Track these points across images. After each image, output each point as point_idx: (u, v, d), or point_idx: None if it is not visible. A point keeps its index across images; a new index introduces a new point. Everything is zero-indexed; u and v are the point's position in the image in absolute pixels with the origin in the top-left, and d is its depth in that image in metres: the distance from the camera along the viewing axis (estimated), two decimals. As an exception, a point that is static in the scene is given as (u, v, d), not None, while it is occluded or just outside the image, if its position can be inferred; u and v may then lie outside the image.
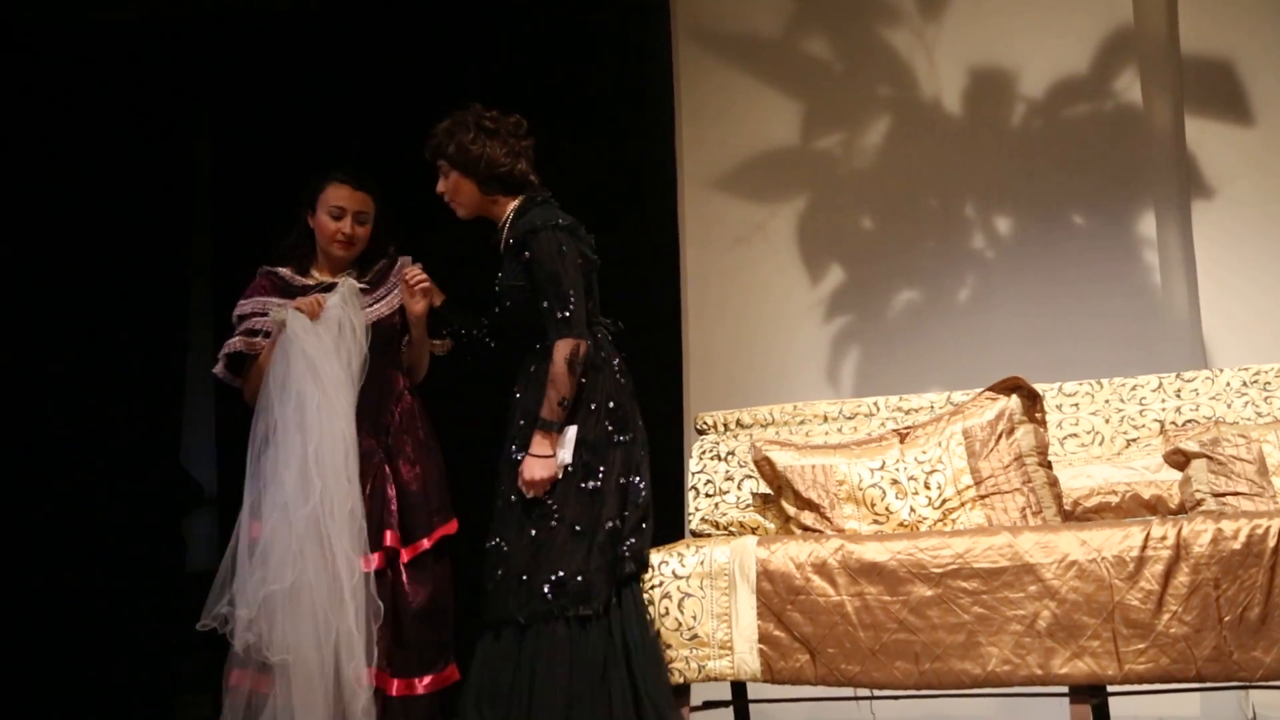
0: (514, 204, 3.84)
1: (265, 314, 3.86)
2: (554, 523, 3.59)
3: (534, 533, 3.60)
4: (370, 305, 3.94)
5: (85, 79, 6.56)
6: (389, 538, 3.76)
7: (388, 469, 3.84)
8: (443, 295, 4.05)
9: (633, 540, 3.62)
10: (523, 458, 3.62)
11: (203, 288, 7.53)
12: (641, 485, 3.70)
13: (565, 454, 3.62)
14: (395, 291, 3.97)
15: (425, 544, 3.83)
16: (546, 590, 3.52)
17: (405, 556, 3.79)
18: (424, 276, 3.95)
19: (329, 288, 3.91)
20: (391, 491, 3.81)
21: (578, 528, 3.58)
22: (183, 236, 7.22)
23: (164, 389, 7.01)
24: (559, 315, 3.65)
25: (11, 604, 6.11)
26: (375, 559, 3.70)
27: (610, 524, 3.60)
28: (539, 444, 3.61)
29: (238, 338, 3.87)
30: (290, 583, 3.52)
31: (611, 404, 3.71)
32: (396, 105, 6.88)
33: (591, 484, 3.63)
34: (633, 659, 3.51)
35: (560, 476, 3.61)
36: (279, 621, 3.51)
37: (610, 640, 3.51)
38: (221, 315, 7.31)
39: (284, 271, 3.97)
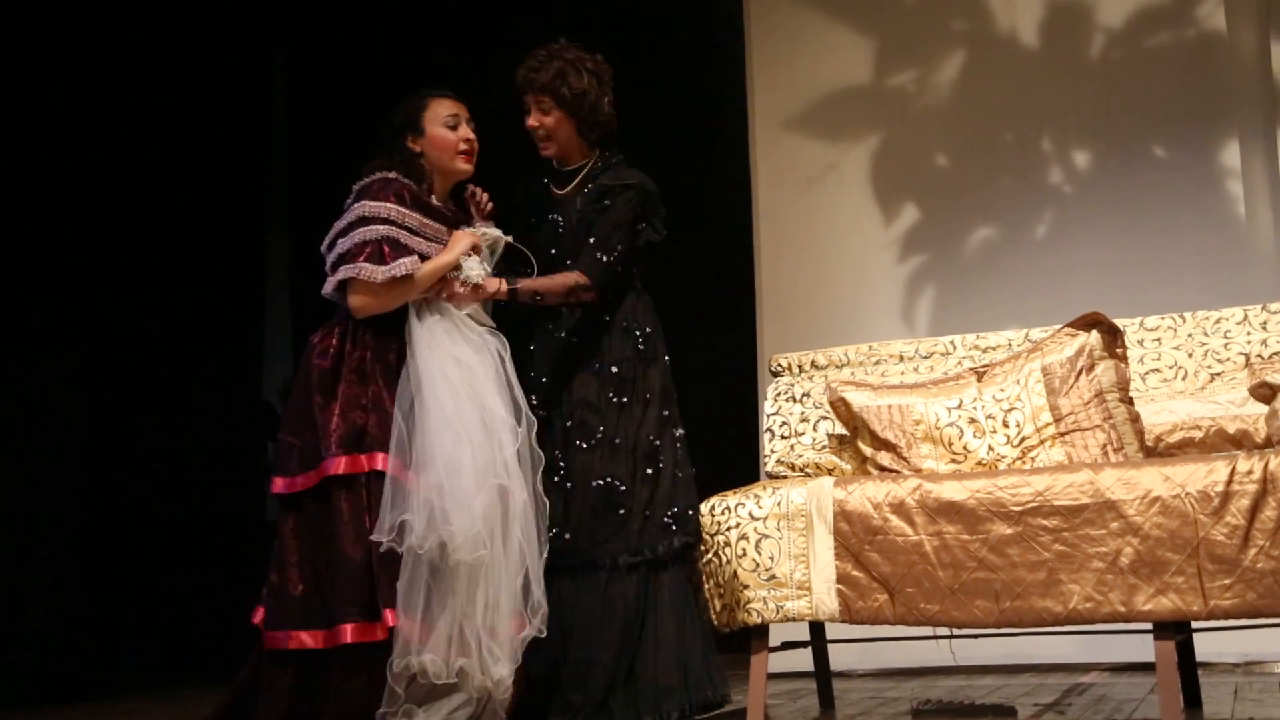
0: (596, 155, 3.90)
1: (405, 226, 3.53)
2: (662, 463, 3.73)
3: (650, 471, 3.71)
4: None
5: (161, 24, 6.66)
6: None
7: None
8: None
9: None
10: (625, 402, 3.75)
11: (280, 224, 7.66)
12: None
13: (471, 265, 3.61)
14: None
15: None
16: (670, 522, 3.67)
17: None
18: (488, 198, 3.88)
19: (456, 219, 3.71)
20: None
21: (679, 473, 3.75)
22: (260, 178, 7.32)
23: (243, 324, 7.15)
24: (598, 255, 3.75)
25: (96, 550, 6.27)
26: None
27: (690, 472, 3.80)
28: (492, 284, 3.64)
29: (410, 259, 3.48)
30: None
31: (668, 358, 3.89)
32: (464, 38, 6.93)
33: (679, 431, 3.81)
34: (698, 595, 3.69)
35: (610, 398, 3.75)
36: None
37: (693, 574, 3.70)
38: (299, 251, 7.43)
39: (408, 181, 3.63)
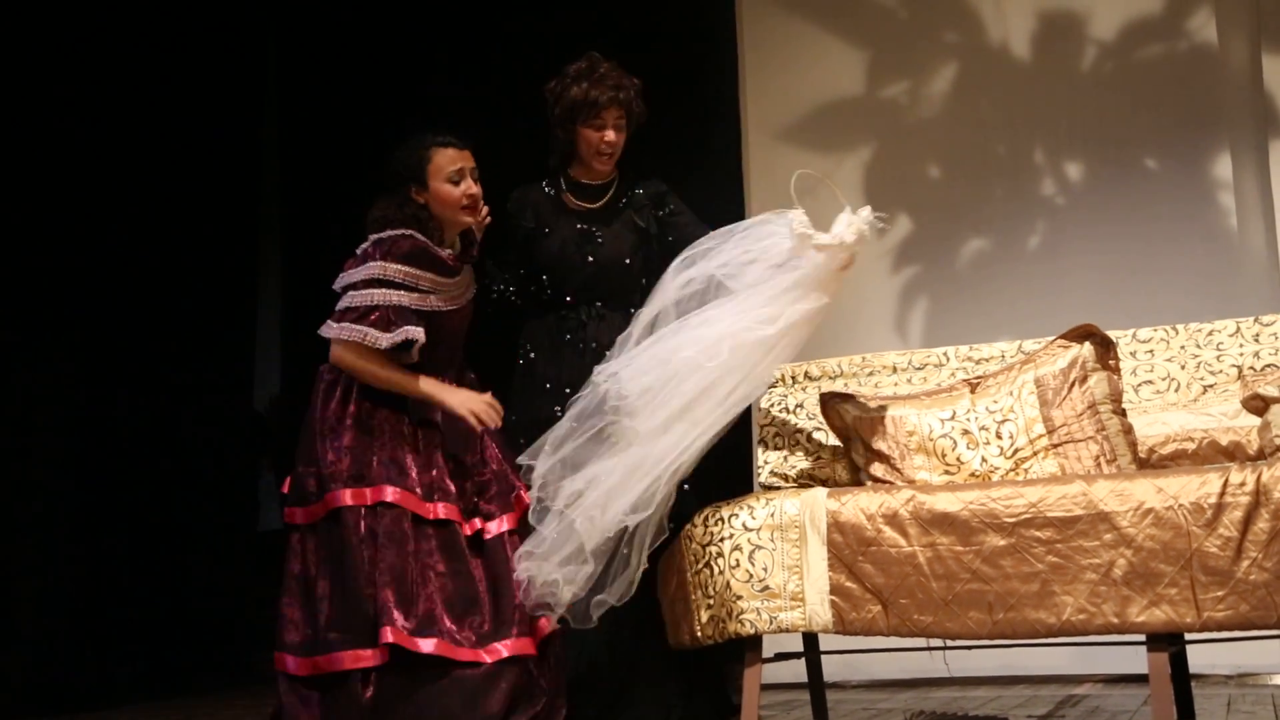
0: (617, 172, 4.07)
1: (418, 289, 3.57)
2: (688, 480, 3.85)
3: (685, 486, 3.82)
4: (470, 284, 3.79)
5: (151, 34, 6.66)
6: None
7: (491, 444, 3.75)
8: None
9: None
10: None
11: (270, 240, 7.64)
12: None
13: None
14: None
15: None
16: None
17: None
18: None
19: (462, 265, 3.73)
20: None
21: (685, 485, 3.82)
22: (252, 181, 7.30)
23: (234, 332, 7.14)
24: None
25: (87, 559, 6.24)
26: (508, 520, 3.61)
27: None
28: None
29: (414, 330, 3.51)
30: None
31: None
32: (456, 52, 6.94)
33: None
34: None
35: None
36: None
37: None
38: (291, 258, 7.42)
39: (420, 238, 3.62)
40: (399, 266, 3.57)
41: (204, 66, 6.86)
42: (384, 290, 3.54)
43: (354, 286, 3.57)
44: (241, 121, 7.18)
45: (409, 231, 3.60)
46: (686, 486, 3.91)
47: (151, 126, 6.63)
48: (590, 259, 3.91)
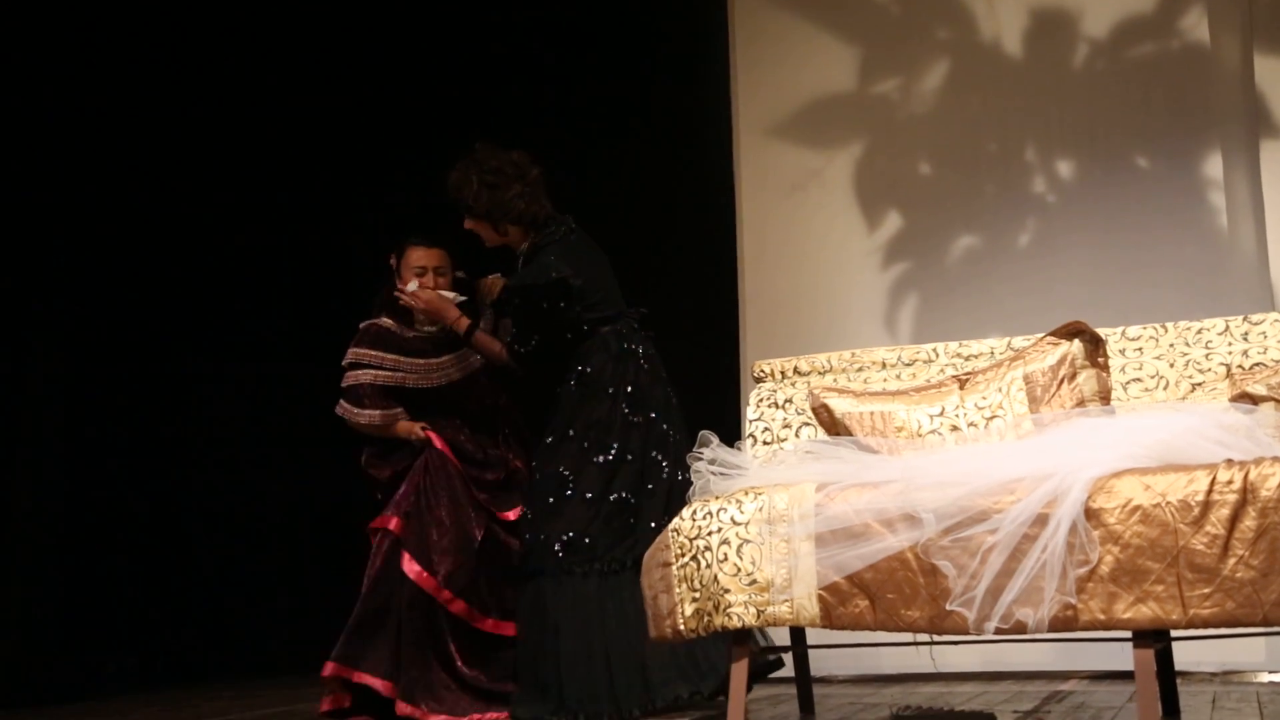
0: (528, 240, 4.35)
1: (382, 368, 4.45)
2: (569, 491, 4.15)
3: (551, 500, 4.17)
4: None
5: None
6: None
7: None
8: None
9: (653, 524, 4.10)
10: (550, 442, 4.25)
11: (279, 227, 7.58)
12: (663, 461, 4.23)
13: None
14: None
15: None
16: (558, 548, 4.11)
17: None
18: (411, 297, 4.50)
19: (440, 337, 4.53)
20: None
21: (589, 495, 4.14)
22: (255, 174, 7.24)
23: (237, 326, 7.11)
24: (515, 347, 4.34)
25: (76, 549, 6.23)
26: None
27: (616, 495, 4.16)
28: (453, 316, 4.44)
29: (376, 413, 4.46)
30: None
31: (630, 389, 4.24)
32: (463, 63, 6.93)
33: (603, 458, 4.18)
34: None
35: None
36: None
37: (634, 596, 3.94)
38: (297, 256, 7.37)
39: (387, 323, 4.52)
40: (365, 350, 4.48)
41: (205, 64, 6.84)
42: (356, 372, 4.47)
43: (345, 369, 4.49)
44: (243, 114, 7.12)
45: (374, 320, 4.51)
46: (681, 476, 4.00)
47: (152, 118, 6.61)
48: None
